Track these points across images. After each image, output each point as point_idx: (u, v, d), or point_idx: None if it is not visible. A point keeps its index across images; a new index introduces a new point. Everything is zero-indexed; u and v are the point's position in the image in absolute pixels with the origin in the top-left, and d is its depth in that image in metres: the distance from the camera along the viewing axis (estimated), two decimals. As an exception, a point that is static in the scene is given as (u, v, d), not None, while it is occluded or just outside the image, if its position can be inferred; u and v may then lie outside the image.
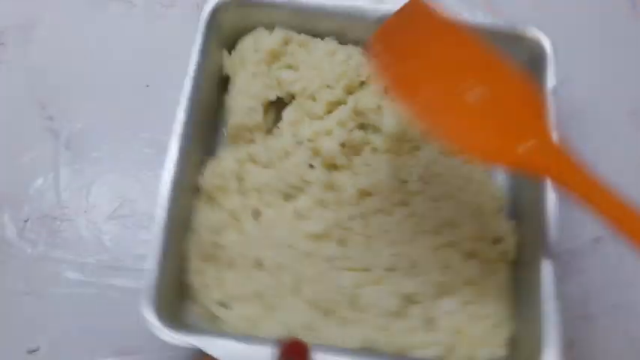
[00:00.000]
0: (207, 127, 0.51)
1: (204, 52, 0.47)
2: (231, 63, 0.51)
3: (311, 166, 0.48)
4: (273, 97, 0.50)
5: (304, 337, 0.43)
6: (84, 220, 0.54)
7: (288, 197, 0.47)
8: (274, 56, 0.50)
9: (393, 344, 0.43)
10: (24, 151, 0.55)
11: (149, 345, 0.51)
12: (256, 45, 0.49)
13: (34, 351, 0.51)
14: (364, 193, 0.47)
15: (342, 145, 0.48)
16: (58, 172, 0.55)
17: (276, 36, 0.49)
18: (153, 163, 0.55)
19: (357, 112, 0.49)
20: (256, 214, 0.47)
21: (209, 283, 0.45)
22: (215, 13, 0.48)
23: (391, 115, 0.48)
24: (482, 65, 0.40)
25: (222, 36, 0.49)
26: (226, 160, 0.48)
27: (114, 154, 0.55)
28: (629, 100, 0.56)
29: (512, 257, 0.47)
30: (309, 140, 0.48)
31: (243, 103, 0.49)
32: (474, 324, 0.44)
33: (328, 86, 0.49)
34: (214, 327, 0.45)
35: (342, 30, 0.50)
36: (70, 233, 0.53)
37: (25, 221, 0.54)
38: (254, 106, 0.49)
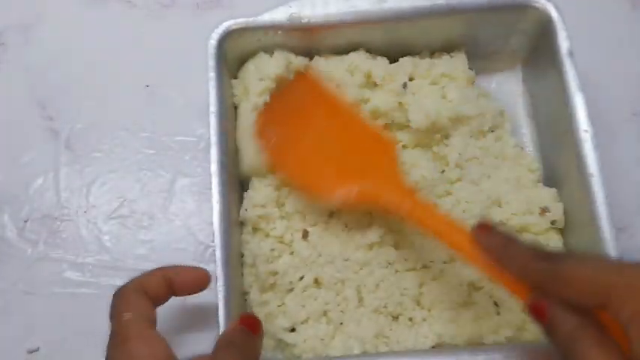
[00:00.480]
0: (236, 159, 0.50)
1: (219, 84, 0.46)
2: (237, 91, 0.50)
3: None
4: None
5: (375, 345, 0.44)
6: (84, 220, 0.54)
7: (332, 213, 0.47)
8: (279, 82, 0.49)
9: (463, 335, 0.44)
10: (24, 151, 0.55)
11: (149, 345, 0.51)
12: (259, 72, 0.49)
13: (34, 351, 0.51)
14: None
15: None
16: (58, 172, 0.55)
17: (278, 60, 0.49)
18: (153, 163, 0.55)
19: (379, 114, 0.49)
20: (305, 235, 0.47)
21: (273, 312, 0.45)
22: (222, 42, 0.47)
23: (416, 110, 0.48)
24: (348, 125, 0.47)
25: (228, 64, 0.49)
26: (263, 190, 0.47)
27: (114, 154, 0.55)
28: (629, 101, 0.56)
29: (562, 224, 0.47)
30: None
31: (250, 145, 0.48)
32: None
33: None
34: (287, 354, 0.45)
35: (347, 40, 0.49)
36: (70, 233, 0.53)
37: (25, 221, 0.54)
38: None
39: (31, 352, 0.51)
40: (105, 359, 0.39)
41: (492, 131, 0.50)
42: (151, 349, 0.38)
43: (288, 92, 0.48)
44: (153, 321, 0.41)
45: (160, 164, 0.55)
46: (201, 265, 0.52)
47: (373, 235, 0.46)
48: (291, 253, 0.46)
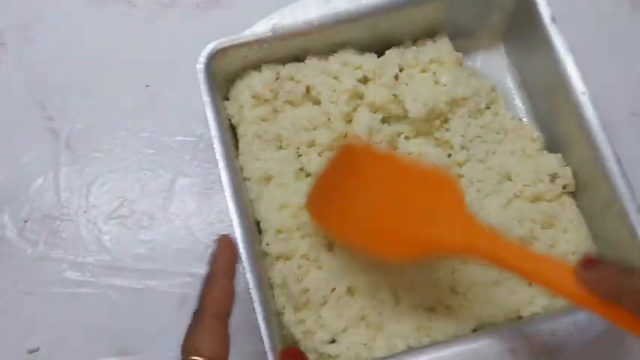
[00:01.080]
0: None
1: (216, 107, 0.46)
2: (232, 112, 0.49)
3: None
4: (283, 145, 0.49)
5: (418, 339, 0.44)
6: (84, 220, 0.54)
7: None
8: (274, 96, 0.49)
9: (501, 312, 0.45)
10: (24, 151, 0.55)
11: (149, 345, 0.51)
12: (251, 90, 0.48)
13: (34, 351, 0.51)
14: None
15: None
16: (58, 172, 0.55)
17: (266, 75, 0.48)
18: (153, 163, 0.55)
19: (376, 108, 0.49)
20: (330, 247, 0.46)
21: (311, 329, 0.45)
22: (209, 64, 0.47)
23: (411, 100, 0.48)
24: (400, 177, 0.44)
25: (217, 85, 0.48)
26: (279, 219, 0.47)
27: (114, 154, 0.55)
28: (629, 101, 0.56)
29: (574, 187, 0.48)
30: None
31: (256, 172, 0.48)
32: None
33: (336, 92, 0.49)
34: None
35: (332, 41, 0.50)
36: (70, 233, 0.54)
37: (25, 221, 0.54)
38: (267, 171, 0.48)
39: (31, 352, 0.51)
40: None
41: (488, 108, 0.51)
42: None
43: (335, 164, 0.46)
44: None
45: (159, 164, 0.55)
46: (202, 265, 0.52)
47: None
48: (319, 267, 0.46)
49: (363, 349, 0.45)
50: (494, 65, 0.55)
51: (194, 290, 0.52)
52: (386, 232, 0.43)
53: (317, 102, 0.49)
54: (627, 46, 0.58)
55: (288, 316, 0.45)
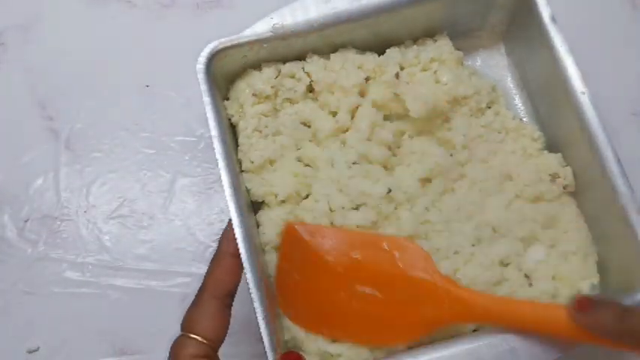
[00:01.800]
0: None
1: (216, 107, 0.45)
2: (232, 111, 0.49)
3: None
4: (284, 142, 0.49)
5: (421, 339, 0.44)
6: (84, 220, 0.54)
7: (357, 206, 0.47)
8: (274, 94, 0.49)
9: None
10: (24, 151, 0.55)
11: (149, 345, 0.51)
12: (251, 89, 0.48)
13: (34, 351, 0.51)
14: (424, 181, 0.48)
15: (387, 145, 0.48)
16: (58, 172, 0.55)
17: (267, 74, 0.48)
18: (153, 163, 0.55)
19: (377, 106, 0.49)
20: None
21: None
22: (209, 64, 0.46)
23: (413, 99, 0.48)
24: (370, 260, 0.43)
25: (217, 85, 0.48)
26: (278, 218, 0.46)
27: (114, 154, 0.55)
28: (629, 101, 0.56)
29: (574, 187, 0.48)
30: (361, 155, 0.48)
31: (256, 160, 0.48)
32: (566, 263, 0.46)
33: (340, 91, 0.49)
34: None
35: (332, 41, 0.49)
36: (70, 233, 0.54)
37: (25, 221, 0.54)
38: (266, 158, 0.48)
39: (31, 352, 0.51)
40: None
41: (489, 107, 0.51)
42: None
43: (286, 255, 0.45)
44: None
45: (159, 164, 0.55)
46: (202, 265, 0.52)
47: (404, 230, 0.46)
48: None
49: (364, 349, 0.44)
50: (494, 65, 0.55)
51: (194, 290, 0.52)
52: (374, 325, 0.43)
53: (318, 99, 0.49)
54: (627, 46, 0.58)
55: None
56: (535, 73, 0.51)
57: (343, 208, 0.46)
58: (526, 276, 0.46)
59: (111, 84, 0.57)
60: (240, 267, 0.40)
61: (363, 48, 0.50)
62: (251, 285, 0.41)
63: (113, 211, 0.54)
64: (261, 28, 0.47)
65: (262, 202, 0.47)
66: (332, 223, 0.46)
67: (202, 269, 0.52)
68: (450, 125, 0.50)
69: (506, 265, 0.46)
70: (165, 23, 0.59)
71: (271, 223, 0.46)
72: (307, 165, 0.48)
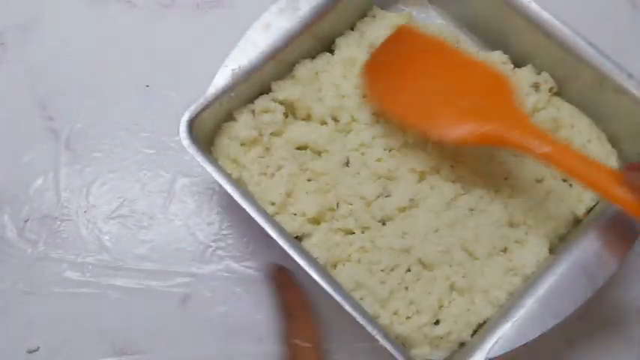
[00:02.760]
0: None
1: (221, 169, 0.46)
2: (228, 169, 0.48)
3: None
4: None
5: (510, 282, 0.46)
6: (84, 220, 0.54)
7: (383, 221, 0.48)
8: (259, 134, 0.49)
9: (561, 221, 0.48)
10: (24, 151, 0.55)
11: (149, 345, 0.51)
12: (236, 140, 0.48)
13: (34, 351, 0.51)
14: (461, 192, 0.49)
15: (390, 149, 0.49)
16: (58, 172, 0.55)
17: (245, 121, 0.48)
18: (153, 163, 0.55)
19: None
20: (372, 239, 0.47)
21: (409, 316, 0.46)
22: (191, 133, 0.45)
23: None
24: (457, 67, 0.47)
25: (207, 146, 0.49)
26: (321, 241, 0.47)
27: (114, 154, 0.55)
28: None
29: (557, 87, 0.51)
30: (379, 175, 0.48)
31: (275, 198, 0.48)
32: (588, 152, 0.47)
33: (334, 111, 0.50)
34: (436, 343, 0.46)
35: (292, 59, 0.50)
36: (70, 233, 0.54)
37: (25, 221, 0.54)
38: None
39: (31, 352, 0.51)
40: None
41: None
42: None
43: (390, 45, 0.49)
44: None
45: (159, 164, 0.55)
46: (202, 265, 0.52)
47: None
48: (379, 251, 0.47)
49: (470, 316, 0.45)
50: (428, 17, 0.56)
51: (194, 290, 0.52)
52: (443, 113, 0.45)
53: (302, 117, 0.50)
54: (627, 46, 0.58)
55: (382, 315, 0.45)
56: (465, 7, 0.53)
57: (378, 197, 0.47)
58: (563, 180, 0.49)
59: (111, 84, 0.57)
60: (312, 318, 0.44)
61: (314, 54, 0.51)
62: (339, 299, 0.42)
63: (113, 211, 0.54)
64: (221, 79, 0.47)
65: (302, 235, 0.47)
66: (374, 218, 0.47)
67: (202, 269, 0.52)
68: None
69: (541, 180, 0.48)
70: (165, 23, 0.59)
71: (317, 248, 0.46)
72: (321, 175, 0.49)
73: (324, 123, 0.50)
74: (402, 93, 0.47)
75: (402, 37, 0.49)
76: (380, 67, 0.48)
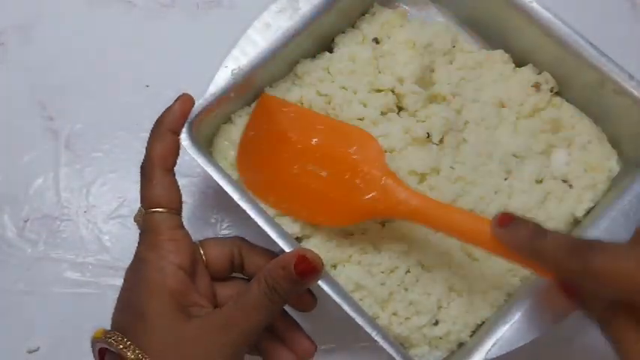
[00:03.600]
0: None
1: (222, 173, 0.45)
2: (227, 171, 0.48)
3: None
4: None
5: (510, 283, 0.46)
6: (84, 220, 0.54)
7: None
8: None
9: (561, 221, 0.48)
10: (24, 151, 0.55)
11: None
12: (234, 144, 0.48)
13: (34, 351, 0.51)
14: (440, 141, 0.49)
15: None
16: (58, 172, 0.55)
17: (240, 123, 0.48)
18: (153, 163, 0.55)
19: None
20: (376, 241, 0.47)
21: (408, 317, 0.46)
22: (191, 134, 0.45)
23: (389, 74, 0.49)
24: (325, 141, 0.46)
25: (204, 142, 0.49)
26: (319, 245, 0.47)
27: (114, 154, 0.55)
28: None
29: (558, 86, 0.51)
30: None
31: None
32: (588, 153, 0.49)
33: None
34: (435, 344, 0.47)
35: (287, 60, 0.50)
36: (70, 233, 0.54)
37: (25, 221, 0.54)
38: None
39: (31, 352, 0.51)
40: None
41: (454, 46, 0.52)
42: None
43: (254, 123, 0.48)
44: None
45: (159, 164, 0.55)
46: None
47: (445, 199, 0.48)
48: (379, 253, 0.47)
49: (469, 316, 0.45)
50: (429, 15, 0.56)
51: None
52: (318, 203, 0.45)
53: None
54: (627, 46, 0.58)
55: (382, 316, 0.45)
56: (466, 6, 0.53)
57: None
58: (563, 181, 0.48)
59: (111, 84, 0.57)
60: (179, 142, 0.43)
61: (313, 54, 0.51)
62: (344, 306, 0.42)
63: (113, 211, 0.54)
64: (221, 79, 0.46)
65: (302, 236, 0.47)
66: (373, 219, 0.47)
67: (202, 269, 0.52)
68: (435, 78, 0.50)
69: (541, 181, 0.48)
70: (166, 23, 0.59)
71: (317, 249, 0.46)
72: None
73: None
74: (277, 184, 0.46)
75: (264, 110, 0.48)
76: (250, 153, 0.47)
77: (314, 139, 0.46)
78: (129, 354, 0.36)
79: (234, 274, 0.45)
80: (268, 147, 0.47)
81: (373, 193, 0.43)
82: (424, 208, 0.42)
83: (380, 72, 0.50)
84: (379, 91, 0.49)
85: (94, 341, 0.39)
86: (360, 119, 0.49)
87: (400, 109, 0.50)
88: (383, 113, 0.49)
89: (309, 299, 0.43)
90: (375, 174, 0.43)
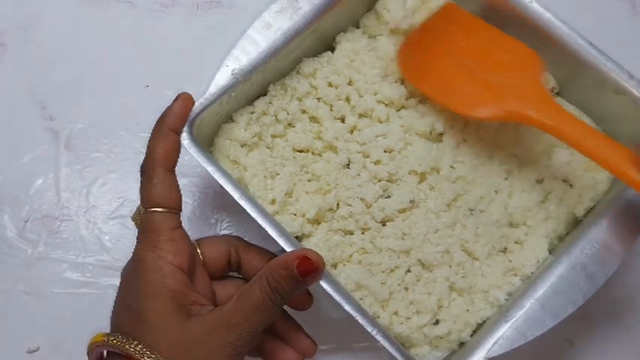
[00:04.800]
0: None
1: (223, 172, 0.45)
2: (229, 171, 0.47)
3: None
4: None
5: (510, 282, 0.46)
6: (84, 220, 0.54)
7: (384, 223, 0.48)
8: (259, 137, 0.49)
9: (561, 222, 0.48)
10: (24, 151, 0.55)
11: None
12: (235, 142, 0.48)
13: (34, 351, 0.51)
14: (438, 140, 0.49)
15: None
16: (58, 172, 0.55)
17: (242, 123, 0.48)
18: (153, 163, 0.55)
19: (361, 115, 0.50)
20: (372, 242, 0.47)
21: (408, 316, 0.46)
22: (191, 133, 0.45)
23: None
24: (488, 42, 0.48)
25: (204, 142, 0.48)
26: (321, 241, 0.47)
27: (114, 154, 0.55)
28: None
29: (558, 87, 0.51)
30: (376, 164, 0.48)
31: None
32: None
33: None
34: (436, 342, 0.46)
35: (288, 60, 0.50)
36: (70, 233, 0.54)
37: (25, 221, 0.54)
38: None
39: (31, 352, 0.51)
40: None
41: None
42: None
43: (430, 23, 0.50)
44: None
45: (159, 164, 0.55)
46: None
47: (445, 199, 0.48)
48: (380, 252, 0.47)
49: (469, 316, 0.45)
50: None
51: (194, 290, 0.52)
52: (470, 91, 0.46)
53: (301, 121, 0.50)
54: (627, 46, 0.58)
55: (382, 316, 0.45)
56: (466, 6, 0.53)
57: (378, 198, 0.47)
58: (564, 180, 0.48)
59: (111, 84, 0.57)
60: (180, 142, 0.43)
61: (315, 53, 0.51)
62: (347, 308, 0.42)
63: (113, 211, 0.54)
64: (222, 79, 0.46)
65: (302, 235, 0.47)
66: (374, 219, 0.47)
67: (202, 269, 0.52)
68: None
69: (542, 181, 0.48)
70: (166, 23, 0.59)
71: (317, 248, 0.46)
72: (319, 176, 0.48)
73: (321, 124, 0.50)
74: (431, 70, 0.48)
75: (443, 15, 0.50)
76: (415, 44, 0.49)
77: (482, 43, 0.48)
78: (137, 353, 0.36)
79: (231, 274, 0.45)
80: (435, 40, 0.49)
81: (526, 97, 0.45)
82: (572, 130, 0.43)
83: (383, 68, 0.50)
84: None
85: (94, 346, 0.38)
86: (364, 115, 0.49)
87: (402, 107, 0.50)
88: (392, 106, 0.49)
89: (306, 298, 0.43)
90: (532, 84, 0.45)
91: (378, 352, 0.50)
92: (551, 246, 0.47)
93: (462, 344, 0.46)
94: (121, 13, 0.59)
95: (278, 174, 0.48)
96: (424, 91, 0.49)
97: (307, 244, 0.46)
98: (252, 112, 0.49)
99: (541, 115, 0.44)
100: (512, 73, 0.46)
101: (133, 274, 0.39)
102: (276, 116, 0.49)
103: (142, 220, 0.41)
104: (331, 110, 0.49)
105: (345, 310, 0.42)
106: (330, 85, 0.50)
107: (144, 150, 0.55)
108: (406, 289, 0.46)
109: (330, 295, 0.42)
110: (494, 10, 0.50)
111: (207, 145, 0.49)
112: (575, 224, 0.48)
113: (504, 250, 0.47)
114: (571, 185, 0.48)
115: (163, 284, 0.38)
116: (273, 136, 0.49)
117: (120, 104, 0.57)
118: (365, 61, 0.50)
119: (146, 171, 0.42)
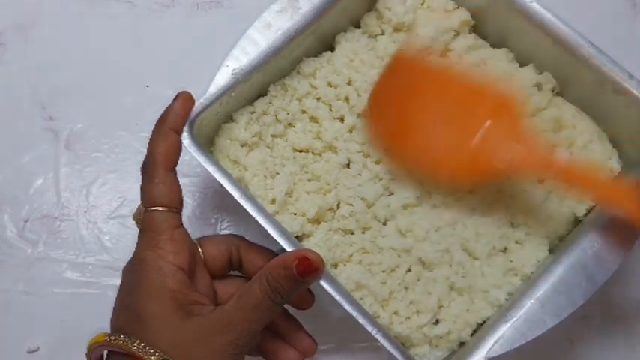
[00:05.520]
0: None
1: (223, 172, 0.45)
2: (229, 171, 0.47)
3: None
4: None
5: (510, 282, 0.46)
6: (84, 220, 0.54)
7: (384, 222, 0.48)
8: (259, 137, 0.49)
9: (562, 222, 0.48)
10: (24, 151, 0.55)
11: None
12: (235, 141, 0.48)
13: (34, 351, 0.51)
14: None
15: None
16: (58, 172, 0.55)
17: (241, 122, 0.48)
18: (153, 163, 0.55)
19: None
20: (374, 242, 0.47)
21: (409, 316, 0.46)
22: (192, 133, 0.45)
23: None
24: (461, 97, 0.46)
25: (204, 142, 0.48)
26: (321, 240, 0.47)
27: (114, 154, 0.55)
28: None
29: (559, 86, 0.51)
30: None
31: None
32: (590, 153, 0.49)
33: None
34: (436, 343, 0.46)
35: (291, 58, 0.50)
36: (70, 233, 0.54)
37: (25, 221, 0.54)
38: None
39: (31, 352, 0.51)
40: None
41: (459, 34, 0.52)
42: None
43: (389, 77, 0.48)
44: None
45: (159, 164, 0.55)
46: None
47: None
48: (380, 251, 0.47)
49: (469, 315, 0.45)
50: None
51: (194, 290, 0.52)
52: (443, 152, 0.45)
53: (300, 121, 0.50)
54: (627, 46, 0.58)
55: (382, 315, 0.45)
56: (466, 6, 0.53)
57: (380, 196, 0.47)
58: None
59: (111, 84, 0.57)
60: (180, 142, 0.43)
61: (315, 53, 0.51)
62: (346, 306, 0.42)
63: (113, 211, 0.54)
64: (222, 79, 0.46)
65: (302, 235, 0.47)
66: (374, 218, 0.47)
67: (202, 269, 0.52)
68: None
69: (542, 180, 0.48)
70: (165, 23, 0.59)
71: (317, 248, 0.46)
72: (319, 176, 0.48)
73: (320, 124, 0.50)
74: (408, 136, 0.46)
75: (399, 67, 0.48)
76: (382, 104, 0.47)
77: (446, 97, 0.46)
78: (140, 351, 0.36)
79: (232, 272, 0.45)
80: (403, 98, 0.47)
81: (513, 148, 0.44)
82: (565, 172, 0.44)
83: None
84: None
85: (96, 345, 0.38)
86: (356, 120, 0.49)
87: None
88: None
89: (307, 297, 0.44)
90: (512, 133, 0.44)
91: (378, 352, 0.50)
92: (552, 246, 0.47)
93: (462, 344, 0.46)
94: (121, 13, 0.59)
95: (278, 174, 0.48)
96: (402, 159, 0.47)
97: (307, 243, 0.46)
98: (252, 112, 0.49)
99: (530, 169, 0.44)
100: (494, 126, 0.45)
101: (134, 273, 0.39)
102: (276, 116, 0.49)
103: (143, 219, 0.41)
104: (330, 110, 0.49)
105: (345, 310, 0.42)
106: (329, 84, 0.50)
107: (144, 150, 0.55)
108: (406, 288, 0.46)
109: (330, 295, 0.42)
110: (494, 11, 0.50)
111: (207, 145, 0.49)
112: (576, 224, 0.48)
113: (505, 250, 0.47)
114: (571, 185, 0.48)
115: (164, 284, 0.38)
116: (273, 136, 0.49)
117: (120, 104, 0.57)
118: (364, 61, 0.50)
119: (147, 170, 0.42)
